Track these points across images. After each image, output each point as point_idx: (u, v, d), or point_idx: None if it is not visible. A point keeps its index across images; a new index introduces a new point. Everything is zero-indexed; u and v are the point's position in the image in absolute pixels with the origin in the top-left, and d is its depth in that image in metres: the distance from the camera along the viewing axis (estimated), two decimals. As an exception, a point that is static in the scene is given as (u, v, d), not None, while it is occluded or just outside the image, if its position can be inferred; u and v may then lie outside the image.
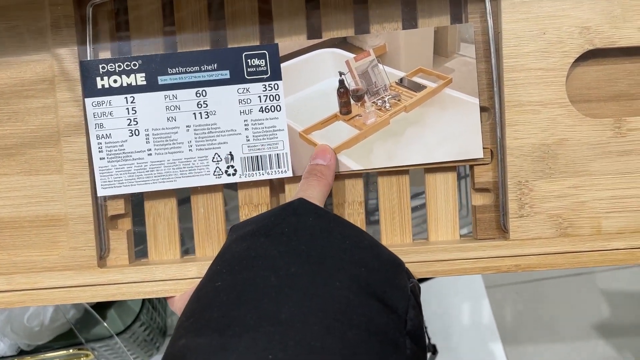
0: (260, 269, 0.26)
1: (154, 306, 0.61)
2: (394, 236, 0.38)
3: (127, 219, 0.38)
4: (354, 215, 0.38)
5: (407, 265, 0.36)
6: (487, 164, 0.38)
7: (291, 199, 0.32)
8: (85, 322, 0.58)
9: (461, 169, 0.62)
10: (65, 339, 0.60)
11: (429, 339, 0.62)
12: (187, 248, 0.53)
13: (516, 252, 0.36)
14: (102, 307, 0.58)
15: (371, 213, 0.51)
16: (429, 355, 0.60)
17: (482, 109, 0.37)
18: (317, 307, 0.24)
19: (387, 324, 0.25)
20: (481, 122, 0.37)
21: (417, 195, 0.53)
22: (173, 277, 0.36)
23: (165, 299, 0.37)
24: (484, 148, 0.37)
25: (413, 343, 0.26)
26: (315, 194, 0.32)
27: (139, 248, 0.40)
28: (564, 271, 0.98)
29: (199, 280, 0.36)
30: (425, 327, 0.68)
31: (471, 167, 0.38)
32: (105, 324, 0.55)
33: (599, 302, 0.99)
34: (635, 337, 0.96)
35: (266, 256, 0.26)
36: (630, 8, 0.36)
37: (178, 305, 0.35)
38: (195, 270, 0.36)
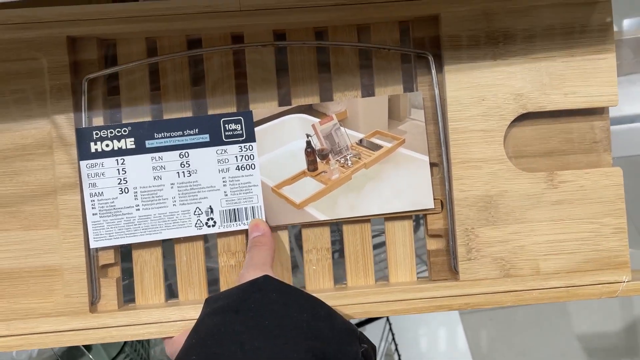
0: (229, 344, 0.30)
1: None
2: (358, 278, 0.43)
3: (117, 267, 0.42)
4: (322, 260, 0.43)
5: (369, 305, 0.40)
6: (438, 213, 0.42)
7: (244, 268, 0.36)
8: (71, 355, 0.60)
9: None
10: (53, 371, 0.62)
11: (402, 365, 0.66)
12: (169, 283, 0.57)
13: (466, 291, 0.41)
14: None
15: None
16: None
17: (432, 165, 0.42)
18: None
19: None
20: (431, 176, 0.42)
21: (379, 235, 0.57)
22: (158, 320, 0.40)
23: None
24: (434, 199, 0.42)
25: None
26: (262, 259, 0.37)
27: (130, 298, 0.43)
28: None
29: (181, 322, 0.40)
30: (400, 355, 0.71)
31: (424, 215, 0.43)
32: (90, 357, 0.58)
33: (570, 327, 1.03)
34: (605, 361, 1.00)
35: (234, 331, 0.31)
36: (557, 77, 0.42)
37: (173, 349, 0.39)
38: (178, 314, 0.40)
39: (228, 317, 0.32)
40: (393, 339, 0.70)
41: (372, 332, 0.72)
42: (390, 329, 0.70)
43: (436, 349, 0.77)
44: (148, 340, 0.67)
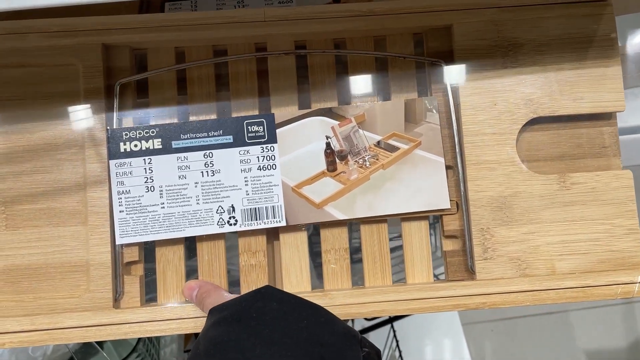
0: (232, 351, 0.31)
1: (150, 338, 0.64)
2: (375, 279, 0.43)
3: (140, 265, 0.43)
4: (340, 260, 0.43)
5: (386, 303, 0.41)
6: (454, 213, 0.44)
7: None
8: (85, 353, 0.60)
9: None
10: (66, 368, 0.62)
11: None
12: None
13: (482, 291, 0.41)
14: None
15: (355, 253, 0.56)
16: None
17: (447, 167, 0.44)
18: None
19: None
20: (447, 178, 0.43)
21: (395, 238, 0.58)
22: (179, 316, 0.40)
23: None
24: (450, 200, 0.43)
25: None
26: (217, 301, 0.37)
27: (151, 297, 0.44)
28: (537, 310, 1.02)
29: (202, 319, 0.40)
30: None
31: (440, 216, 0.44)
32: (104, 354, 0.58)
33: (572, 339, 1.02)
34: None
35: (237, 340, 0.32)
36: (566, 84, 0.43)
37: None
38: (199, 310, 0.40)
39: (231, 327, 0.33)
40: (397, 345, 0.69)
41: (375, 339, 0.71)
42: (395, 335, 0.70)
43: (439, 359, 0.76)
44: (159, 341, 0.67)
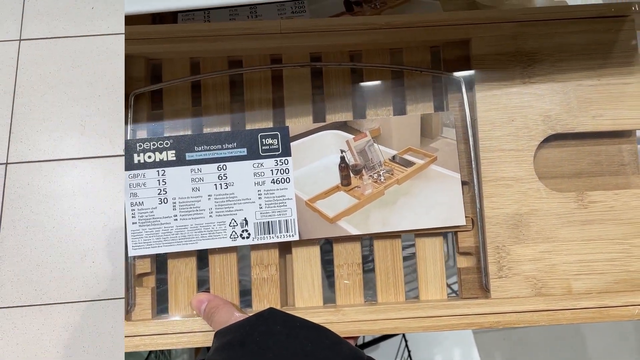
0: None
1: (161, 349, 0.64)
2: (388, 295, 0.43)
3: (152, 277, 0.43)
4: (353, 275, 0.43)
5: (399, 320, 0.41)
6: (469, 230, 0.43)
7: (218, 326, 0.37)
8: None
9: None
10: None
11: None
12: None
13: (497, 309, 0.41)
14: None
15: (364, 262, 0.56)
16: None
17: (463, 183, 0.43)
18: None
19: None
20: (462, 194, 0.43)
21: (408, 247, 0.57)
22: (191, 329, 0.40)
23: None
24: (465, 217, 0.43)
25: None
26: (226, 317, 0.37)
27: (162, 307, 0.44)
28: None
29: (211, 333, 0.40)
30: None
31: (455, 233, 0.43)
32: None
33: (584, 347, 1.01)
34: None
35: None
36: (584, 100, 0.43)
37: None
38: (209, 325, 0.40)
39: (234, 351, 0.33)
40: (409, 356, 0.68)
41: (387, 349, 0.71)
42: (407, 345, 0.69)
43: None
44: (170, 352, 0.67)
